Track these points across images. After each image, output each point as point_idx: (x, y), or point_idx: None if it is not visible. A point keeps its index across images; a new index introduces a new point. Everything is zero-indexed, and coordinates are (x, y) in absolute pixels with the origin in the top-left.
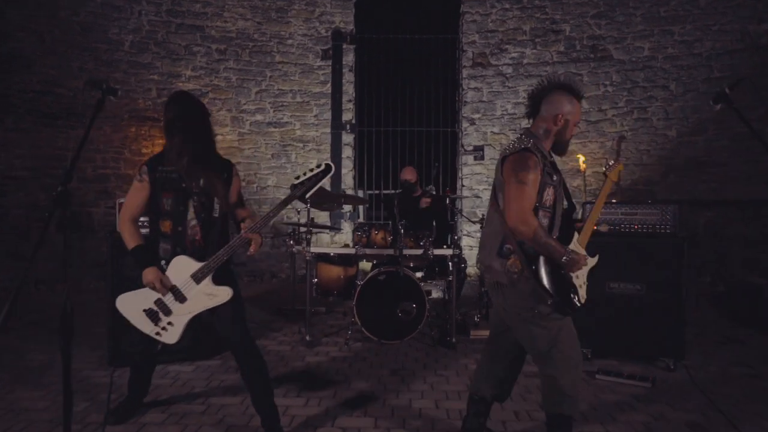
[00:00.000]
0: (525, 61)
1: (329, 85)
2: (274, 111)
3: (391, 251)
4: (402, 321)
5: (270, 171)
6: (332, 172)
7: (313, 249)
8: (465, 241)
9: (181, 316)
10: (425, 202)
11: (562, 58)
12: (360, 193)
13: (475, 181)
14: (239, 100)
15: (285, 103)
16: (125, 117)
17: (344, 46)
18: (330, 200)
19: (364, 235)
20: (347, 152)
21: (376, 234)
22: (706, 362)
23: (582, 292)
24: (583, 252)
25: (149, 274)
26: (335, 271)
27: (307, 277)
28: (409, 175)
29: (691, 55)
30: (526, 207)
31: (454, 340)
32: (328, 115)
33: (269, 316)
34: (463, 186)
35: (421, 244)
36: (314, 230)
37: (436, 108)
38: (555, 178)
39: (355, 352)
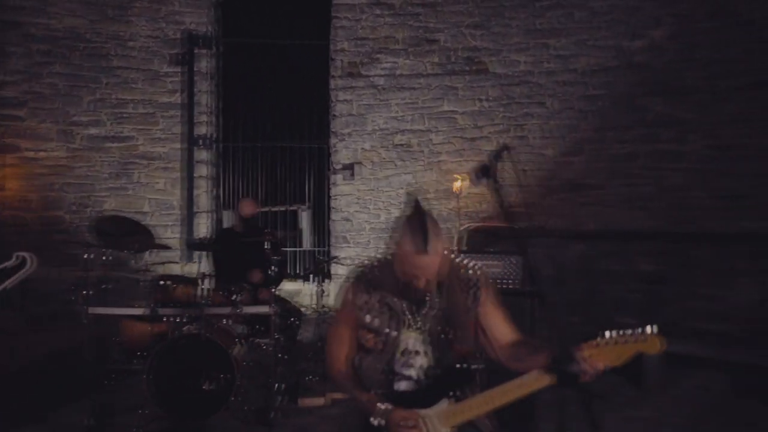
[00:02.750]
0: (398, 72)
1: (178, 94)
2: (112, 124)
3: (192, 311)
4: (208, 394)
5: (108, 193)
6: (32, 267)
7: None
8: (337, 270)
9: None
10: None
11: (438, 69)
12: (225, 214)
13: (345, 203)
14: (68, 110)
15: (126, 115)
16: None
17: (196, 50)
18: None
19: (160, 291)
20: (202, 170)
21: (175, 288)
22: None
23: None
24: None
25: None
26: (140, 328)
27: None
28: (245, 210)
29: (567, 70)
30: (333, 351)
31: (272, 415)
32: (178, 129)
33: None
34: (332, 208)
35: (233, 299)
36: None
37: (308, 121)
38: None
39: None
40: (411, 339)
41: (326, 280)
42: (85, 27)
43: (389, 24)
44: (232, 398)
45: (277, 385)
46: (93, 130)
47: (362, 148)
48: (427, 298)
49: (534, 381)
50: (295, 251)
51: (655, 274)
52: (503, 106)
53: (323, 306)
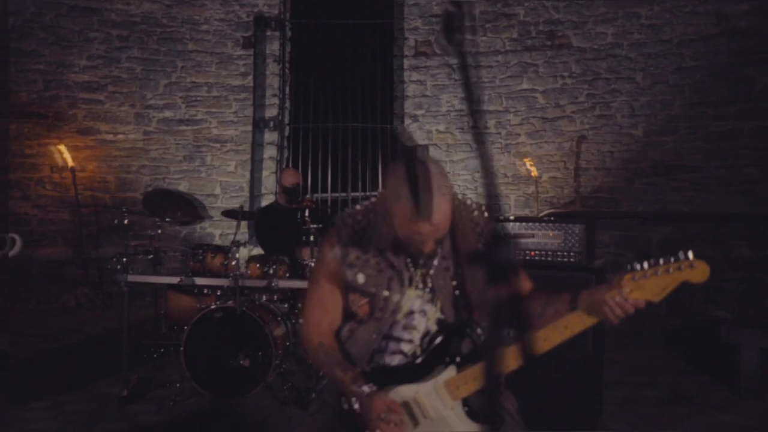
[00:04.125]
0: (474, 49)
1: (251, 77)
2: (186, 107)
3: (226, 281)
4: (244, 372)
5: (182, 175)
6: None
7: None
8: None
9: None
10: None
11: (516, 46)
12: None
13: None
14: (145, 93)
15: (199, 98)
16: (4, 113)
17: (268, 33)
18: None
19: (196, 260)
20: (270, 152)
21: (213, 258)
22: None
23: None
24: (448, 401)
25: None
26: (186, 302)
27: (124, 312)
28: (288, 179)
29: (659, 41)
30: (312, 319)
31: (313, 396)
32: (249, 112)
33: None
34: None
35: (269, 272)
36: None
37: (380, 103)
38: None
39: (174, 416)
40: (415, 300)
41: None
42: (161, 11)
43: None
44: (270, 377)
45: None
46: (167, 113)
47: (436, 130)
48: (438, 252)
49: (577, 321)
50: None
51: (756, 261)
52: (587, 82)
53: None
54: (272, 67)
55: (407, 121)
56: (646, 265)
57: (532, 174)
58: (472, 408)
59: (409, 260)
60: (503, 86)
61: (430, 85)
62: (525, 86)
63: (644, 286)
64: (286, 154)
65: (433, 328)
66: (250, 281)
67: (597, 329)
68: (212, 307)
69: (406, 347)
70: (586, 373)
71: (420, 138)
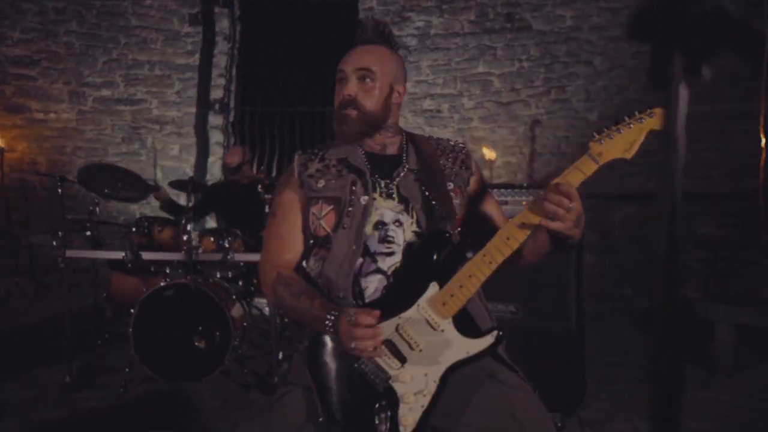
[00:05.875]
0: (432, 31)
1: (197, 56)
2: (125, 86)
3: (180, 255)
4: (199, 354)
5: (120, 158)
6: None
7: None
8: None
9: None
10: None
11: (474, 28)
12: None
13: None
14: (81, 70)
15: (140, 77)
16: None
17: (216, 9)
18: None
19: (142, 234)
20: (216, 136)
21: (160, 231)
22: (613, 414)
23: (407, 411)
24: (440, 317)
25: None
26: (131, 283)
27: (63, 293)
28: (229, 157)
29: (618, 24)
30: (269, 252)
31: (276, 379)
32: (194, 93)
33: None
34: None
35: (224, 245)
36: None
37: (332, 86)
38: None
39: (123, 402)
40: (386, 211)
41: None
42: None
43: None
44: (228, 360)
45: (281, 352)
46: (105, 92)
47: None
48: (404, 156)
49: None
50: None
51: (720, 240)
52: (544, 66)
53: None
54: (222, 46)
55: None
56: (611, 127)
57: (489, 158)
58: (464, 322)
59: (370, 166)
60: (459, 69)
61: None
62: (481, 69)
63: (612, 146)
64: (233, 140)
65: (412, 239)
66: (204, 255)
67: (578, 296)
68: (162, 284)
69: (385, 263)
70: (570, 346)
71: None
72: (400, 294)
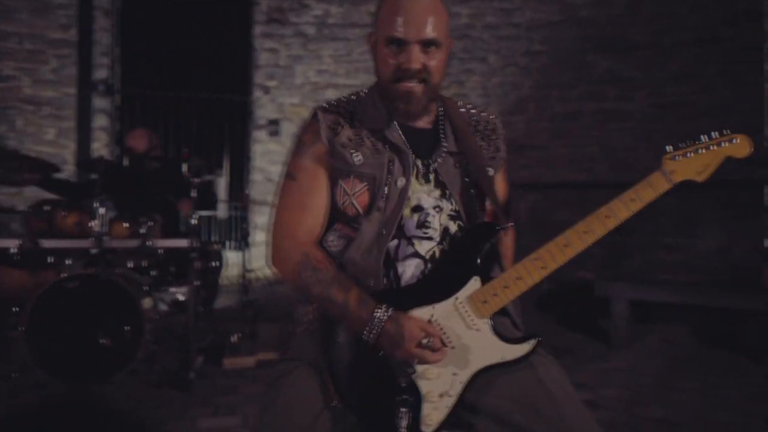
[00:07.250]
0: (330, 20)
1: (74, 30)
2: None
3: (86, 243)
4: (106, 352)
5: None
6: None
7: None
8: (259, 237)
9: None
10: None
11: (373, 19)
12: None
13: (268, 161)
14: None
15: (8, 51)
16: None
17: None
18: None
19: (41, 219)
20: (101, 121)
21: (65, 217)
22: None
23: (432, 410)
24: (476, 318)
25: None
26: (21, 278)
27: None
28: (133, 141)
29: (511, 25)
30: (288, 225)
31: (192, 375)
32: (73, 71)
33: None
34: (253, 167)
35: (141, 232)
36: None
37: (228, 72)
38: (386, 154)
39: (12, 412)
40: (424, 196)
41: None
42: None
43: None
44: (140, 356)
45: (197, 345)
46: None
47: (290, 103)
48: (442, 136)
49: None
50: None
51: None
52: None
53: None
54: (102, 22)
55: (258, 93)
56: (684, 145)
57: None
58: (501, 324)
59: (407, 144)
60: (361, 60)
61: (284, 55)
62: None
63: (686, 165)
64: (119, 125)
65: (453, 227)
66: (118, 242)
67: None
68: (63, 276)
69: (422, 247)
70: None
71: (272, 111)
72: (438, 283)
